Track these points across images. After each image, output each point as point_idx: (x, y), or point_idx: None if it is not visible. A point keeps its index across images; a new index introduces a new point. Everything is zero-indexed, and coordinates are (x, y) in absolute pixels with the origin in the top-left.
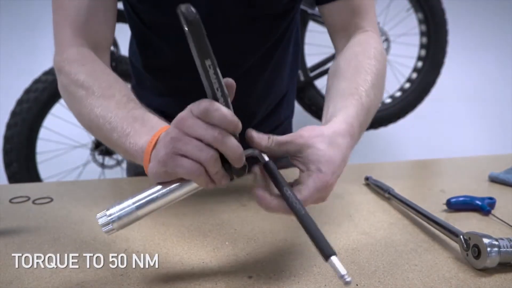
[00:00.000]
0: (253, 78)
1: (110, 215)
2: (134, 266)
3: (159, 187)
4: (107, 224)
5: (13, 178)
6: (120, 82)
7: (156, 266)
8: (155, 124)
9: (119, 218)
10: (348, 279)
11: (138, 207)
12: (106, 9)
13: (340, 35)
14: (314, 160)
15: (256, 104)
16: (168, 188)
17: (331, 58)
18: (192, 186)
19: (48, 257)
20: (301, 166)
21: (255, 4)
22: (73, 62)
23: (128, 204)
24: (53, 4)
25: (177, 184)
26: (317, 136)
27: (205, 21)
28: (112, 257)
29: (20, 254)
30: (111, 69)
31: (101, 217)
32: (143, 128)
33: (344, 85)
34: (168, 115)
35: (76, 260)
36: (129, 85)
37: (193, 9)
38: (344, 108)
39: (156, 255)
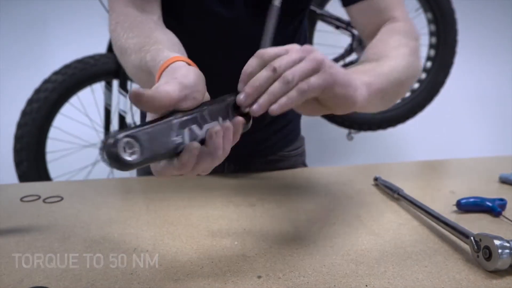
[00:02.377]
0: None
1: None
2: (143, 266)
3: None
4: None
5: (23, 177)
6: (151, 32)
7: (166, 266)
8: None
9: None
10: None
11: None
12: None
13: (372, 37)
14: None
15: None
16: None
17: (340, 58)
18: None
19: (59, 256)
20: None
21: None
22: (117, 26)
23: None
24: None
25: None
26: None
27: (216, 13)
28: (122, 256)
29: (31, 253)
30: (151, 20)
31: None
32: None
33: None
34: None
35: (86, 259)
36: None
37: None
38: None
39: (166, 254)
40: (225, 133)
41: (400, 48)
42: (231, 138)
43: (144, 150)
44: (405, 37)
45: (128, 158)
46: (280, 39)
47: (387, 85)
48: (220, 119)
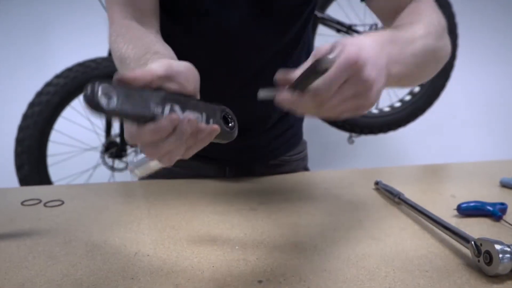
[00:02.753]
0: (269, 81)
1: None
2: (144, 270)
3: None
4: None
5: (24, 180)
6: (151, 44)
7: (167, 270)
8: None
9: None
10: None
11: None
12: None
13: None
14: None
15: (271, 107)
16: None
17: None
18: None
19: (60, 260)
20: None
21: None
22: (117, 37)
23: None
24: None
25: None
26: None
27: (219, 17)
28: (123, 260)
29: (32, 257)
30: (151, 33)
31: (128, 165)
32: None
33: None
34: None
35: (87, 263)
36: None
37: None
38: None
39: (167, 258)
40: (198, 128)
41: (431, 19)
42: (200, 138)
43: (120, 102)
44: (428, 15)
45: (103, 102)
46: (285, 45)
47: (413, 64)
48: (204, 115)
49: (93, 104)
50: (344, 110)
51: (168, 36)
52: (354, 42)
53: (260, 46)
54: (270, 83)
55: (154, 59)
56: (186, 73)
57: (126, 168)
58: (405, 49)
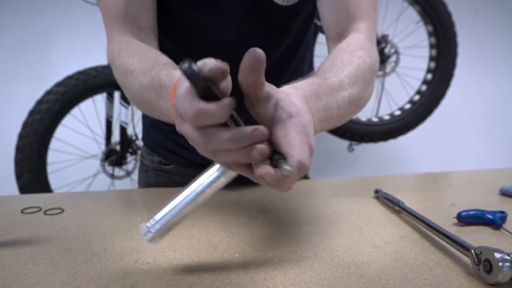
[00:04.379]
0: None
1: (148, 226)
2: (144, 278)
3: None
4: (147, 234)
5: (24, 188)
6: (158, 56)
7: (166, 278)
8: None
9: (157, 228)
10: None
11: (172, 215)
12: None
13: (335, 41)
14: (283, 106)
15: None
16: (194, 193)
17: None
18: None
19: (60, 268)
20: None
21: (266, 10)
22: (120, 52)
23: (163, 213)
24: (98, 2)
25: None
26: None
27: (218, 30)
28: (123, 268)
29: (32, 265)
30: (153, 48)
31: (142, 228)
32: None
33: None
34: None
35: (87, 271)
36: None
37: (193, 66)
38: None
39: (167, 267)
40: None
41: (352, 71)
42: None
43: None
44: (359, 57)
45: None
46: (286, 50)
47: (336, 116)
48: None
49: (190, 72)
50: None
51: (166, 53)
52: (294, 107)
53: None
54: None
55: (167, 69)
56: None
57: (126, 176)
58: (331, 103)
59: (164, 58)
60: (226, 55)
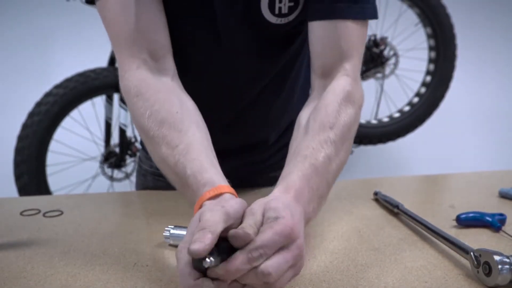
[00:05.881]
0: (265, 105)
1: (169, 234)
2: (143, 280)
3: None
4: (167, 238)
5: (23, 190)
6: (183, 121)
7: (166, 281)
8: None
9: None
10: None
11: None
12: (154, 14)
13: (319, 76)
14: (271, 209)
15: (270, 129)
16: None
17: None
18: None
19: (59, 270)
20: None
21: (260, 27)
22: (138, 95)
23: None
24: (104, 22)
25: None
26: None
27: (212, 46)
28: (122, 270)
29: (31, 267)
30: (173, 93)
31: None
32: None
33: (303, 144)
34: None
35: (86, 273)
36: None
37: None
38: (293, 174)
39: (165, 269)
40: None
41: (339, 134)
42: None
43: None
44: (346, 114)
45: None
46: (281, 70)
47: (323, 185)
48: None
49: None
50: (287, 279)
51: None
52: (282, 210)
53: (258, 76)
54: (266, 107)
55: (194, 166)
56: (239, 212)
57: (125, 178)
58: (322, 186)
59: (186, 126)
60: (226, 77)
